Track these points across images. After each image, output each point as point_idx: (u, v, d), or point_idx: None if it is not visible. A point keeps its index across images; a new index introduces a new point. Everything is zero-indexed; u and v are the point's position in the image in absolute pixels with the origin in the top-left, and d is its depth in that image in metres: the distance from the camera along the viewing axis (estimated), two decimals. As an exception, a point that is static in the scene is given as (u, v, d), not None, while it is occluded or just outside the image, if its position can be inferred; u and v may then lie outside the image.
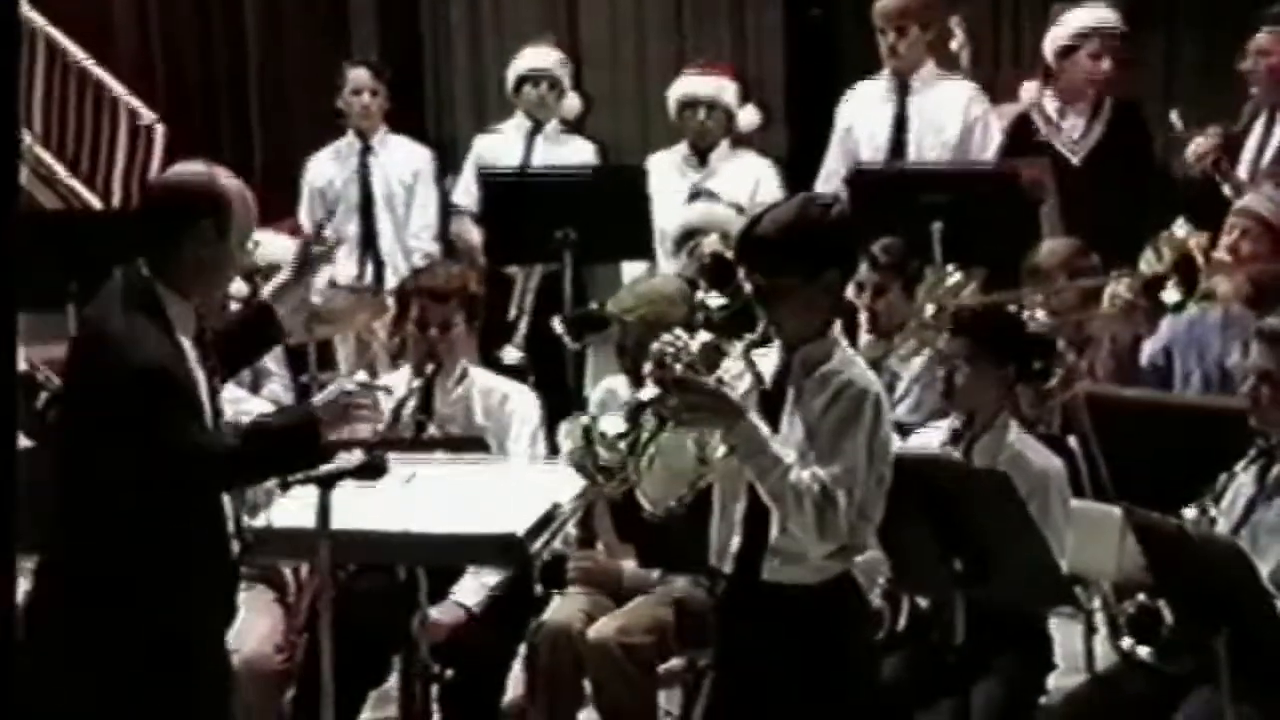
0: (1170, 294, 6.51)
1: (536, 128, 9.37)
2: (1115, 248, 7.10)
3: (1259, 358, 5.39)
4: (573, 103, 9.50)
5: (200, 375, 4.72)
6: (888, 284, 7.18)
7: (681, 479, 4.57)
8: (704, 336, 4.66)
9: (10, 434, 4.30)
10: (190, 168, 4.85)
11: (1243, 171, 7.71)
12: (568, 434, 4.54)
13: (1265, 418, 5.36)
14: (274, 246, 7.60)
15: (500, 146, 9.43)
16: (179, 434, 4.60)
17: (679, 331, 4.66)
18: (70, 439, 4.74)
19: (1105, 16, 8.33)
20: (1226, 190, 7.59)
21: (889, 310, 7.20)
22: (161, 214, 4.76)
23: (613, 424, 4.49)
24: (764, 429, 4.50)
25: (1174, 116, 7.93)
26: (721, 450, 4.55)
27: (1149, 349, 6.75)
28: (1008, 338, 5.99)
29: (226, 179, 4.80)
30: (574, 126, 9.59)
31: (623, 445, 4.46)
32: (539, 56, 9.47)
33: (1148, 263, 6.53)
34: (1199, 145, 7.75)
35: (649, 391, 4.51)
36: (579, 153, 9.39)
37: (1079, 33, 8.31)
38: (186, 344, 4.71)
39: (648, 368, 4.56)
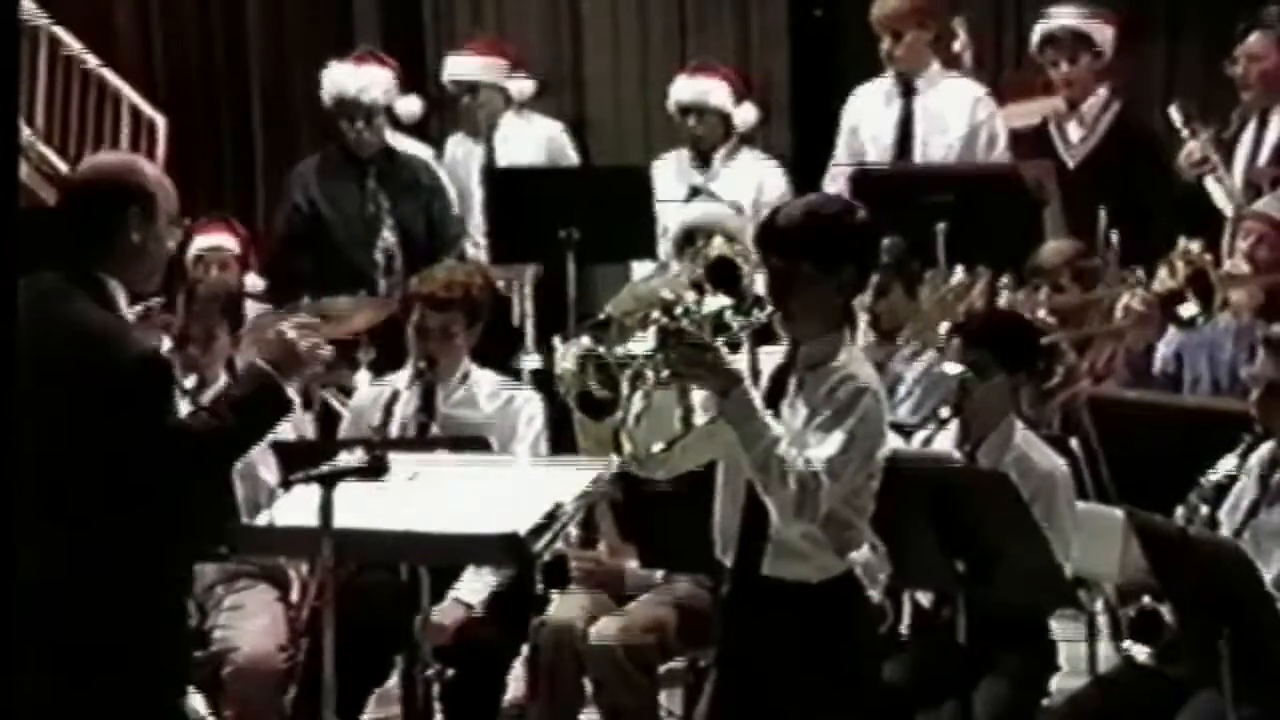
0: (1188, 309, 6.48)
1: (492, 127, 9.27)
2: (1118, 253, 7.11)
3: (1266, 366, 5.37)
4: (524, 86, 9.33)
5: None
6: (889, 284, 7.16)
7: (665, 434, 4.52)
8: (715, 303, 4.63)
9: (9, 434, 4.29)
10: (107, 158, 4.88)
11: (1236, 176, 7.70)
12: (564, 355, 4.48)
13: (1273, 426, 5.34)
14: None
15: (468, 144, 9.32)
16: (175, 420, 4.63)
17: (691, 294, 4.63)
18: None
19: (1057, 22, 8.29)
20: (1217, 196, 7.59)
21: (890, 311, 7.18)
22: (89, 206, 4.76)
23: (615, 352, 4.42)
24: (758, 399, 4.48)
25: (1173, 111, 7.91)
26: (706, 415, 4.51)
27: (1161, 353, 6.74)
28: (1022, 345, 6.00)
29: (144, 164, 4.86)
30: (540, 106, 9.46)
31: (617, 375, 4.38)
32: (456, 66, 9.30)
33: (1160, 281, 6.51)
34: (1191, 152, 7.73)
35: (649, 342, 4.42)
36: (540, 137, 9.26)
37: (1039, 43, 8.34)
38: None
39: (654, 314, 4.50)
